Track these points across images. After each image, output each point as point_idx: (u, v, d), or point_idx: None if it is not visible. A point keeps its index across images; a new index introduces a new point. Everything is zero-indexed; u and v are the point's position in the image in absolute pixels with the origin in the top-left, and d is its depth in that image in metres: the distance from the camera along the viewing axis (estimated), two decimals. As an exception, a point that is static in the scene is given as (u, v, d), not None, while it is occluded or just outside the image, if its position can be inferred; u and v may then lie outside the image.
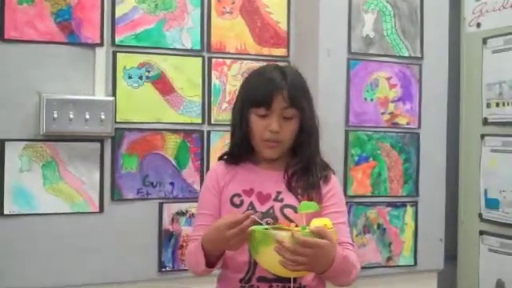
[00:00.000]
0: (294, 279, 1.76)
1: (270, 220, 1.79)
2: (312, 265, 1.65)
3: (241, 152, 1.90)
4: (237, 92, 1.97)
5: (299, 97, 1.83)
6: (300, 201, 1.80)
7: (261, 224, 1.72)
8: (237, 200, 1.85)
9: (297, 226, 1.72)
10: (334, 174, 1.95)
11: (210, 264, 1.79)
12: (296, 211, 1.78)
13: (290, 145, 1.87)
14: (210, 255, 1.78)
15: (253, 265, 1.79)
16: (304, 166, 1.87)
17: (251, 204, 1.84)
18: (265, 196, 1.85)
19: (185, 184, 2.85)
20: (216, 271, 1.88)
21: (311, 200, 1.80)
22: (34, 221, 2.61)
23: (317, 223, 1.68)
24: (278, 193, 1.85)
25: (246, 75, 2.01)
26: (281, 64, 2.08)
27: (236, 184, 1.88)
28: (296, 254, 1.61)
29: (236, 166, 1.92)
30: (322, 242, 1.62)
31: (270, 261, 1.68)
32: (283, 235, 1.63)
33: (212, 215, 1.88)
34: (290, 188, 1.85)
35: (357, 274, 1.80)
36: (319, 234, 1.63)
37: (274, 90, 1.80)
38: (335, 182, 1.93)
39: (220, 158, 1.98)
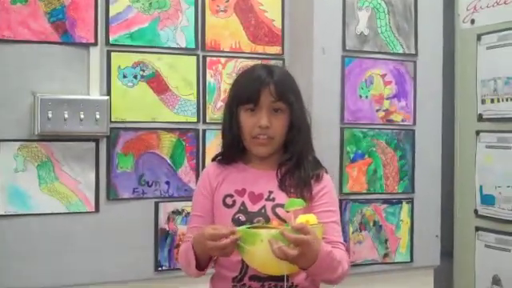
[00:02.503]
0: (287, 278, 1.75)
1: (261, 219, 1.79)
2: (297, 260, 1.64)
3: (232, 152, 1.91)
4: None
5: (286, 91, 1.84)
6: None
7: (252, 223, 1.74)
8: (229, 200, 1.86)
9: (285, 223, 1.72)
10: (326, 172, 1.94)
11: (200, 267, 1.80)
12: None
13: (281, 142, 1.87)
14: (200, 258, 1.78)
15: (246, 263, 1.79)
16: (295, 163, 1.87)
17: (243, 204, 1.84)
18: (257, 196, 1.85)
19: (180, 183, 2.85)
20: (210, 270, 1.88)
21: (303, 197, 1.81)
22: (30, 221, 2.61)
23: (300, 220, 1.67)
24: (270, 192, 1.85)
25: (235, 75, 2.02)
26: (270, 64, 2.08)
27: (228, 184, 1.88)
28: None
29: (228, 167, 1.92)
30: (306, 237, 1.61)
31: (255, 259, 1.69)
32: (271, 233, 1.64)
33: (203, 217, 1.89)
34: (281, 187, 1.85)
35: (344, 272, 1.79)
36: (301, 230, 1.62)
37: (261, 85, 1.82)
38: (328, 180, 1.92)
39: (213, 159, 1.98)
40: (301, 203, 1.72)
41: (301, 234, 1.61)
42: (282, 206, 1.81)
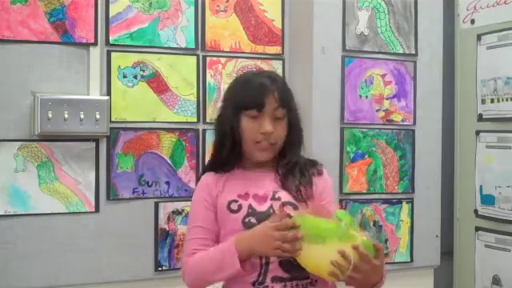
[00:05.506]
0: (308, 276, 1.78)
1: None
2: (361, 282, 1.69)
3: (232, 159, 1.90)
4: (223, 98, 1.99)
5: (288, 98, 1.90)
6: (295, 198, 1.84)
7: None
8: (234, 206, 1.85)
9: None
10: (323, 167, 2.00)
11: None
12: (295, 208, 1.81)
13: (281, 147, 1.90)
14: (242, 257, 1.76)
15: (265, 265, 1.78)
16: (294, 165, 1.90)
17: (250, 207, 1.84)
18: (261, 197, 1.86)
19: (180, 183, 2.85)
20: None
21: (306, 195, 1.85)
22: (30, 221, 2.61)
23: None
24: (274, 192, 1.86)
25: (230, 82, 2.02)
26: (268, 71, 2.11)
27: (230, 191, 1.88)
28: (356, 269, 1.65)
29: (226, 174, 1.92)
30: (377, 261, 1.68)
31: (315, 262, 1.68)
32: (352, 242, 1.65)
33: (206, 228, 1.87)
34: (284, 186, 1.87)
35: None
36: (379, 250, 1.70)
37: (266, 91, 1.85)
38: (327, 176, 1.97)
39: (205, 170, 1.98)
40: (351, 220, 1.76)
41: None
42: (289, 203, 1.83)
